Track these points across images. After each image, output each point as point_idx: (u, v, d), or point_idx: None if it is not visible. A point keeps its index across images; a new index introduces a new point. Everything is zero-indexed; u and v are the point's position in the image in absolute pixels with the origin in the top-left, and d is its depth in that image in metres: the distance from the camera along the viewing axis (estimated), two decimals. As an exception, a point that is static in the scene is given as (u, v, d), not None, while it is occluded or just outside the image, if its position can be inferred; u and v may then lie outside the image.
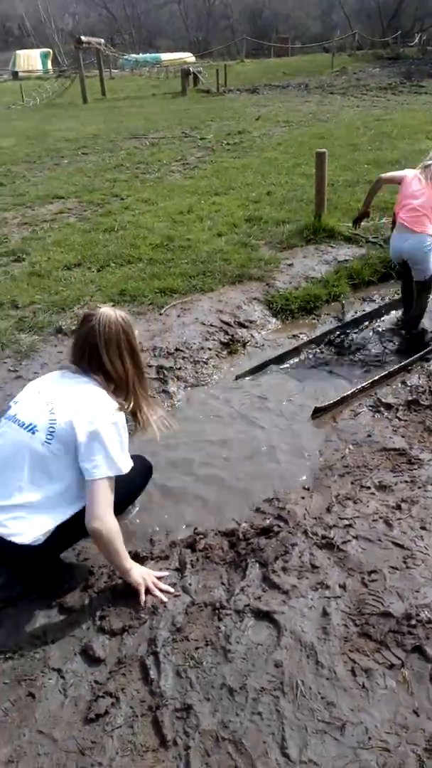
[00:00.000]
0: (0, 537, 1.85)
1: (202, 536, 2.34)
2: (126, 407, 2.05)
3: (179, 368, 3.60)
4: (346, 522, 2.31)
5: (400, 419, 3.06)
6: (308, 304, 4.43)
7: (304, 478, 2.72)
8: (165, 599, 2.03)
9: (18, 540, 1.85)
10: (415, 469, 2.60)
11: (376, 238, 5.35)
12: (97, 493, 1.88)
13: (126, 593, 2.07)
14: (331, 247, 5.30)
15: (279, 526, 2.34)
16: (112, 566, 2.08)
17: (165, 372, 3.54)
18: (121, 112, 14.83)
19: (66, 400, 1.96)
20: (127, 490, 2.32)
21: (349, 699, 1.68)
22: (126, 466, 1.96)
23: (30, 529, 1.87)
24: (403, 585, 2.00)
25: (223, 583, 2.11)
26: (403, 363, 3.57)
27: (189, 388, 3.51)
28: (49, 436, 1.91)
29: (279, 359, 3.78)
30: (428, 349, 3.73)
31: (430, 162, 3.76)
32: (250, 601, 2.00)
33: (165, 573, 2.16)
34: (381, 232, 5.45)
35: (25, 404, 2.01)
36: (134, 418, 2.15)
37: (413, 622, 1.86)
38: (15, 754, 1.57)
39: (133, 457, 2.24)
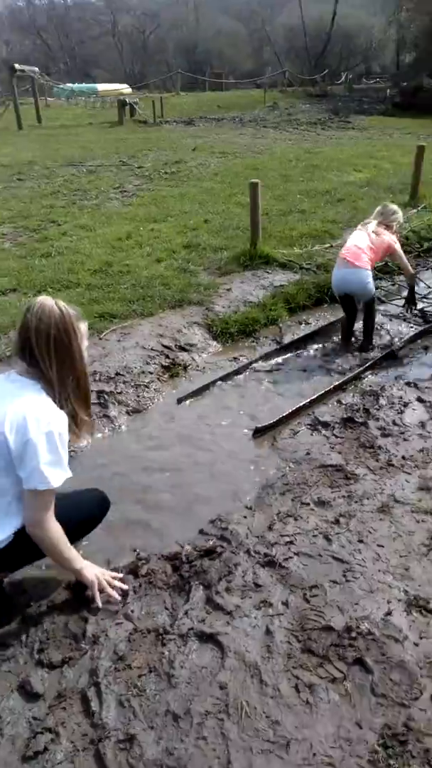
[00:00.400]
0: None
1: (144, 561, 2.30)
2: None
3: (120, 392, 3.57)
4: (288, 539, 2.34)
5: (336, 437, 3.15)
6: (247, 327, 4.52)
7: (247, 497, 2.74)
8: (119, 597, 2.04)
9: None
10: (352, 484, 2.68)
11: (309, 264, 5.56)
12: (32, 500, 1.87)
13: (65, 624, 2.01)
14: (267, 272, 5.45)
15: (222, 547, 2.35)
16: (65, 569, 2.06)
17: (106, 396, 3.51)
18: (58, 140, 14.81)
19: (3, 411, 1.87)
20: (83, 520, 2.26)
21: (293, 716, 1.69)
22: (57, 480, 1.87)
23: None
24: (343, 598, 2.04)
25: (166, 608, 2.08)
26: (337, 382, 3.70)
27: (130, 413, 3.49)
28: None
29: (220, 381, 3.83)
30: (361, 368, 3.89)
31: (368, 221, 4.29)
32: (194, 624, 1.98)
33: (120, 574, 2.15)
34: (314, 258, 5.67)
35: None
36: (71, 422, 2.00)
37: (353, 634, 1.90)
38: None
39: (89, 489, 2.18)
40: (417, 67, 26.04)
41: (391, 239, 4.23)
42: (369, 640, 1.89)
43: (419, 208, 7.39)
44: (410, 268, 4.51)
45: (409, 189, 7.92)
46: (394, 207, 4.38)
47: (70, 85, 28.96)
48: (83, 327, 1.99)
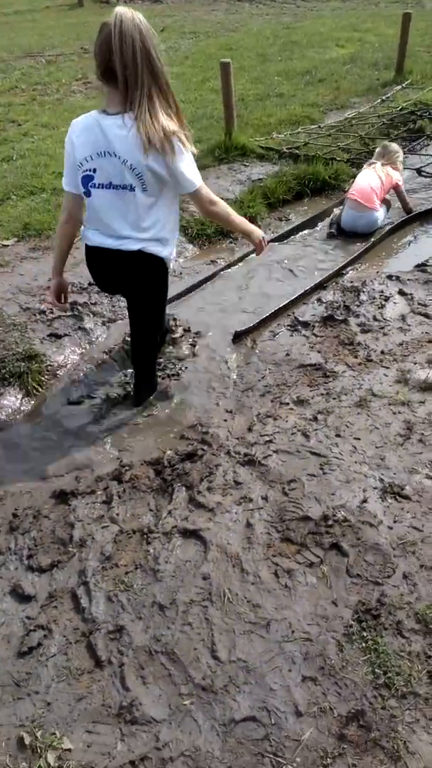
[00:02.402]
0: (140, 251, 2.24)
1: (128, 467, 2.34)
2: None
3: (94, 303, 3.47)
4: (267, 438, 2.37)
5: (316, 336, 3.11)
6: (224, 228, 4.32)
7: (227, 401, 2.75)
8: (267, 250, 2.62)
9: (152, 250, 2.25)
10: (330, 382, 2.68)
11: (290, 148, 5.22)
12: (199, 195, 2.22)
13: (52, 530, 2.07)
14: (244, 165, 5.15)
15: (203, 450, 2.38)
16: (239, 234, 2.69)
17: (80, 308, 3.41)
18: (12, 28, 13.41)
19: (129, 148, 2.05)
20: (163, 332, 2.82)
21: (273, 599, 1.79)
22: (199, 179, 2.19)
23: (153, 244, 2.26)
24: (321, 490, 2.10)
25: (150, 510, 2.14)
26: (318, 280, 3.60)
27: (106, 323, 3.41)
28: (143, 186, 2.12)
29: (198, 286, 3.72)
30: (342, 264, 3.78)
31: (373, 161, 4.42)
32: (177, 523, 2.05)
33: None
34: (295, 143, 5.32)
35: (102, 170, 2.14)
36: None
37: (330, 522, 1.97)
38: None
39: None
40: None
41: (398, 178, 4.34)
42: (345, 527, 1.96)
43: (404, 85, 6.87)
44: (410, 205, 4.48)
45: (394, 64, 7.32)
46: (395, 146, 4.49)
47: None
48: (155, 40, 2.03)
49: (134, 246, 2.24)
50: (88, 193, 2.21)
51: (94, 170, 2.15)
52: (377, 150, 4.53)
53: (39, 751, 1.45)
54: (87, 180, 2.18)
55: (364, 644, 1.65)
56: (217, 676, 1.60)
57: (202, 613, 1.76)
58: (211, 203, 2.28)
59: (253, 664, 1.62)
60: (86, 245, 2.37)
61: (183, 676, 1.61)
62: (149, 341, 2.67)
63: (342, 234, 4.29)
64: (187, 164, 2.13)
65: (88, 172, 2.16)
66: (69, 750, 1.46)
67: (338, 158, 5.14)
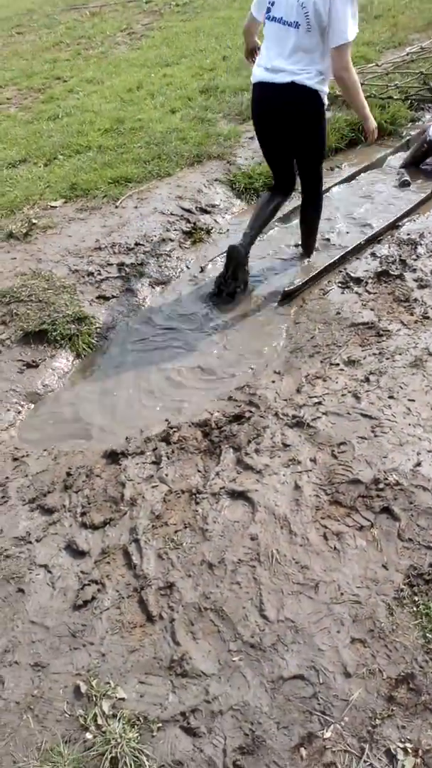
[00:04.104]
0: (292, 83, 2.55)
1: (175, 429, 2.35)
2: None
3: (141, 263, 3.45)
4: (316, 400, 2.32)
5: (369, 293, 2.99)
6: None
7: (275, 362, 2.70)
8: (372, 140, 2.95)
9: (305, 81, 2.54)
10: (384, 341, 2.58)
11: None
12: (343, 52, 2.49)
13: (104, 488, 2.13)
14: (294, 113, 4.90)
15: (251, 412, 2.36)
16: (356, 112, 2.98)
17: (127, 269, 3.40)
18: (55, -22, 13.09)
19: None
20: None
21: (321, 561, 1.78)
22: (353, 34, 2.47)
23: (309, 77, 2.56)
24: (372, 453, 2.05)
25: (198, 471, 2.16)
26: (371, 233, 3.43)
27: (153, 285, 3.39)
28: (307, 25, 2.47)
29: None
30: (397, 216, 3.58)
31: None
32: (225, 484, 2.06)
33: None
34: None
35: (278, 5, 2.54)
36: None
37: (381, 486, 1.93)
38: (11, 644, 1.68)
39: None
40: None
41: None
42: (397, 491, 1.92)
43: None
44: None
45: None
46: None
47: None
48: None
49: (289, 78, 2.57)
50: (264, 22, 2.67)
51: (273, 3, 2.58)
52: None
53: (94, 699, 1.52)
54: (267, 10, 2.62)
55: (415, 608, 1.62)
56: (265, 634, 1.62)
57: (250, 572, 1.77)
58: (347, 69, 2.54)
59: (301, 624, 1.63)
60: (252, 86, 2.76)
61: (232, 633, 1.64)
62: (315, 191, 3.05)
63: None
64: (346, 12, 2.42)
65: (268, 5, 2.60)
66: (123, 699, 1.52)
67: (396, 98, 4.81)
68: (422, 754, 1.35)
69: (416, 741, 1.38)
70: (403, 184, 4.04)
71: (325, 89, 2.64)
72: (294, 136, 2.80)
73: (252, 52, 3.03)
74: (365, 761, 1.36)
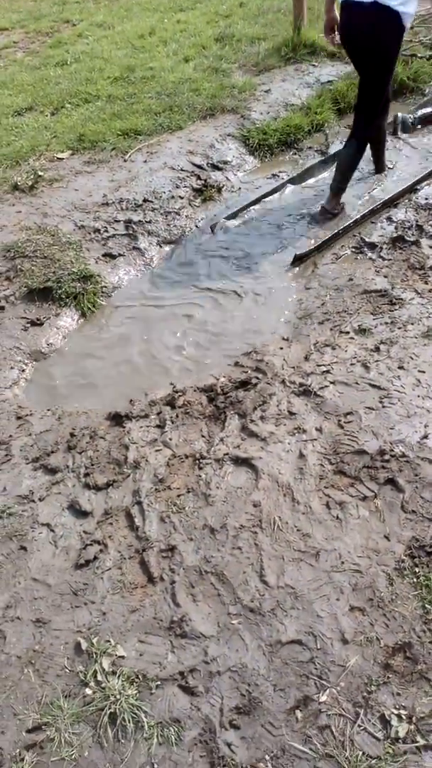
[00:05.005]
0: (375, 2, 2.62)
1: (180, 393, 2.33)
2: None
3: (149, 221, 3.36)
4: (324, 368, 2.29)
5: (383, 259, 2.91)
6: (288, 137, 4.03)
7: (283, 328, 2.65)
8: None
9: (388, 2, 2.59)
10: (396, 310, 2.52)
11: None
12: None
13: (108, 450, 2.12)
14: (313, 65, 4.69)
15: (257, 378, 2.33)
16: None
17: (134, 227, 3.31)
18: None
19: None
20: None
21: (323, 530, 1.78)
22: None
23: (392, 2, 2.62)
24: (379, 424, 2.02)
25: (203, 436, 2.14)
26: (388, 197, 3.32)
27: (161, 244, 3.31)
28: None
29: (258, 204, 3.52)
30: (417, 178, 3.46)
31: None
32: (229, 450, 2.05)
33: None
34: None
35: None
36: None
37: (387, 457, 1.91)
38: (13, 600, 1.70)
39: None
40: None
41: None
42: (402, 462, 1.90)
43: None
44: None
45: None
46: None
47: None
48: None
49: None
50: None
51: None
52: None
53: (94, 656, 1.55)
54: None
55: (415, 579, 1.63)
56: (265, 599, 1.63)
57: (251, 538, 1.78)
58: None
59: (301, 590, 1.64)
60: (341, 8, 2.81)
61: (231, 596, 1.65)
62: (373, 104, 3.03)
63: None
64: None
65: None
66: (122, 657, 1.55)
67: (420, 55, 4.58)
68: (416, 721, 1.37)
69: (410, 708, 1.40)
70: (404, 129, 3.95)
71: (407, 11, 2.66)
72: (372, 54, 2.84)
73: (332, 28, 3.02)
74: (359, 725, 1.39)
